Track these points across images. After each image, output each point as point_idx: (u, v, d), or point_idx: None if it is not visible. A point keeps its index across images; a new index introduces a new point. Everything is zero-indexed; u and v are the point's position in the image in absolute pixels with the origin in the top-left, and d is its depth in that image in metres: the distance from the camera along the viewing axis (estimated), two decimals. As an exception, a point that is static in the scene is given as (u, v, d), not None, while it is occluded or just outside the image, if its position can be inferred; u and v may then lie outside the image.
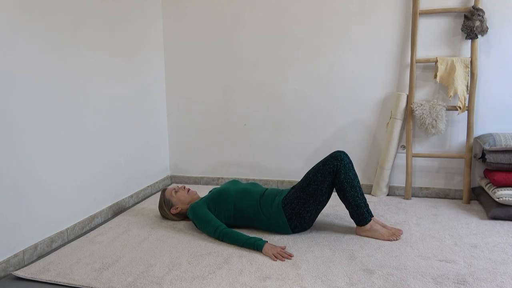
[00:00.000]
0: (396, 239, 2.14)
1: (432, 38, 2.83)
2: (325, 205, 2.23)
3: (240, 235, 2.10)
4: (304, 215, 2.20)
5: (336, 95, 3.06)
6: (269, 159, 3.28)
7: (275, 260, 1.92)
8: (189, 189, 2.49)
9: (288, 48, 3.10)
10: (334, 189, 2.39)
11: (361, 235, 2.22)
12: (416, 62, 2.82)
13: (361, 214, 2.17)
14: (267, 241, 2.04)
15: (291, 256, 1.96)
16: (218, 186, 2.62)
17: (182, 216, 2.49)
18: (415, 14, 2.78)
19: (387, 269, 1.82)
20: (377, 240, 2.15)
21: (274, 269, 1.84)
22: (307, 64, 3.08)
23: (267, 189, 2.38)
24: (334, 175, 2.12)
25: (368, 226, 2.18)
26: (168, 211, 2.47)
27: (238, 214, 2.28)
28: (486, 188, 2.60)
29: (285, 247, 2.05)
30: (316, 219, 2.45)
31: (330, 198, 2.51)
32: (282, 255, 1.95)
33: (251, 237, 2.07)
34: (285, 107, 3.17)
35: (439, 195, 2.96)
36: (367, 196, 2.96)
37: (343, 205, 2.67)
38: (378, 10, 2.90)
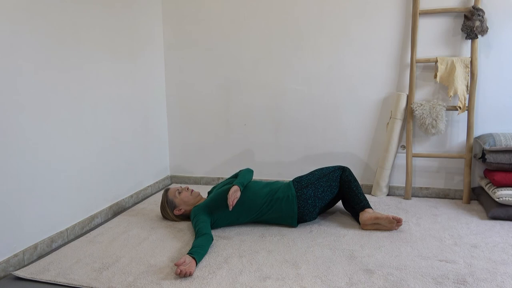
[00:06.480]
0: (399, 221, 2.23)
1: (432, 38, 2.83)
2: (335, 192, 2.42)
3: (202, 244, 1.97)
4: (316, 190, 2.35)
5: (336, 95, 3.06)
6: (269, 159, 3.28)
7: (177, 272, 1.75)
8: (192, 190, 2.48)
9: (288, 48, 3.10)
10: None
11: (366, 225, 2.29)
12: (416, 62, 2.82)
13: (364, 200, 2.37)
14: (197, 263, 1.85)
15: (190, 274, 1.77)
16: (220, 182, 2.62)
17: (184, 217, 2.48)
18: (415, 14, 2.78)
19: (387, 269, 1.82)
20: (377, 240, 2.15)
21: (274, 269, 1.84)
22: (307, 64, 3.08)
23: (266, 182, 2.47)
24: (342, 170, 2.45)
25: (371, 210, 2.34)
26: (171, 212, 2.46)
27: (245, 207, 2.33)
28: (486, 188, 2.60)
29: (193, 269, 1.80)
30: (317, 219, 2.46)
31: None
32: (185, 272, 1.76)
33: (196, 250, 1.90)
34: (285, 107, 3.17)
35: (439, 195, 2.96)
36: (367, 196, 2.97)
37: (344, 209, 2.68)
38: (378, 10, 2.90)
